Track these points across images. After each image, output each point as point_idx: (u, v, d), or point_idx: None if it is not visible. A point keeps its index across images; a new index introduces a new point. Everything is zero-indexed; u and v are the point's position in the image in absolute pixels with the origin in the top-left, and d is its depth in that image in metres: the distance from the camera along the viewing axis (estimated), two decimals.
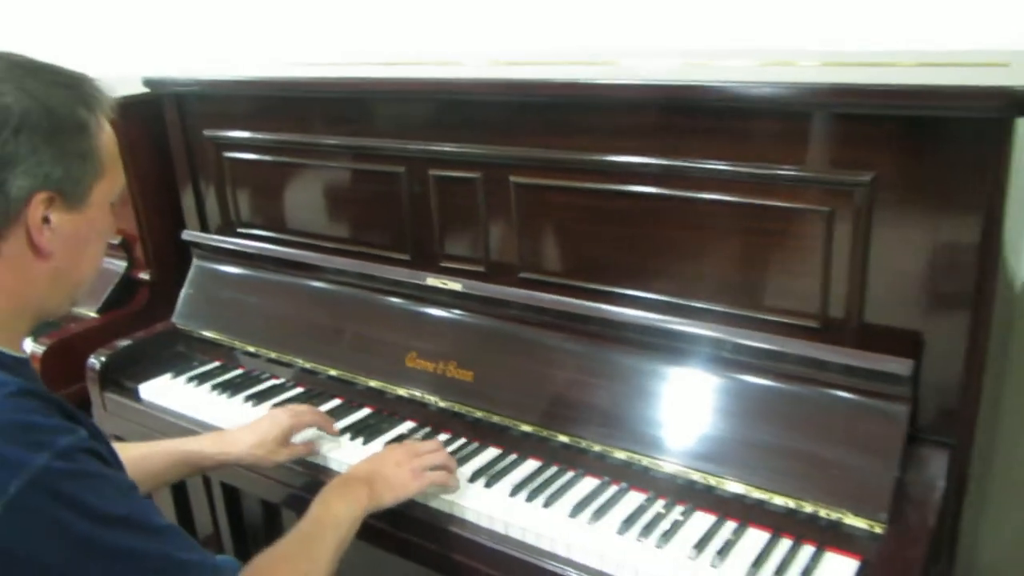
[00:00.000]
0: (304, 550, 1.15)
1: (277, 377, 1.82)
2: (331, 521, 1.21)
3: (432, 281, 1.61)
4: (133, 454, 1.32)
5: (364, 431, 1.57)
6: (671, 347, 1.38)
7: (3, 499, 0.82)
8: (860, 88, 1.18)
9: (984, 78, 1.14)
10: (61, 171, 0.93)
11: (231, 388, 1.78)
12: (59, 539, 0.85)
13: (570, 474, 1.41)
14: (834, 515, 1.20)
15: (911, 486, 1.20)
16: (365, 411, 1.66)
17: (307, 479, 1.52)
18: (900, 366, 1.18)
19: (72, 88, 0.96)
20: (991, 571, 1.73)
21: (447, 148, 1.56)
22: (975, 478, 1.38)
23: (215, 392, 1.78)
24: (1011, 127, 1.08)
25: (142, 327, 2.02)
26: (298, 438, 1.52)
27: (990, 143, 1.10)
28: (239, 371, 1.87)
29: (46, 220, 0.94)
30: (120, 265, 2.17)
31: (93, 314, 2.14)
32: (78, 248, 0.99)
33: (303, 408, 1.57)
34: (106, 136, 1.00)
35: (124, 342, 1.93)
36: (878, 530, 1.16)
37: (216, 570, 0.97)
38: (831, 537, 1.21)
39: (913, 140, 1.15)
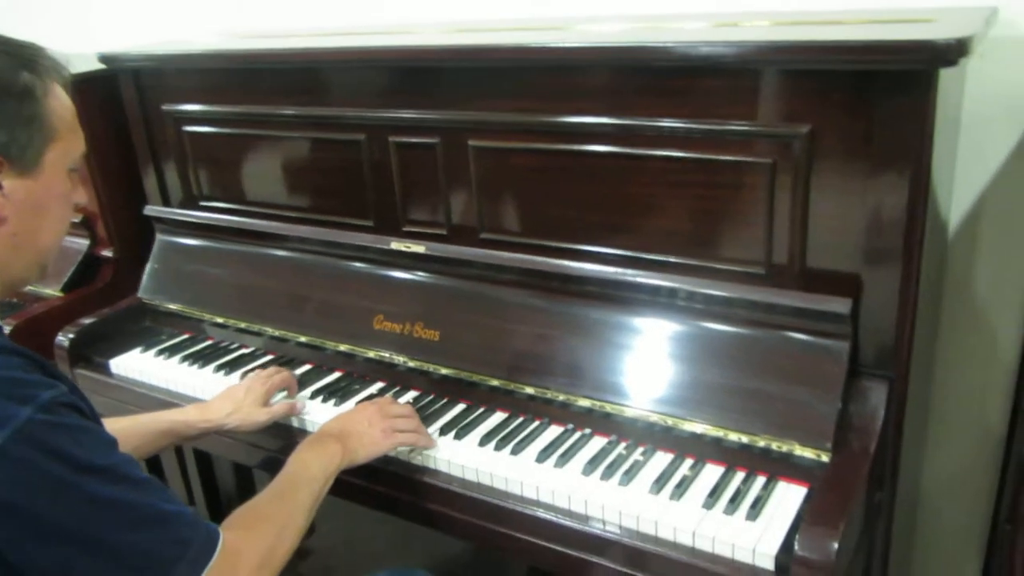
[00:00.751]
0: (281, 506, 1.18)
1: (247, 346, 1.86)
2: (306, 477, 1.25)
3: (396, 245, 1.65)
4: (115, 427, 1.35)
5: (336, 393, 1.63)
6: (628, 298, 1.44)
7: None
8: (794, 45, 1.25)
9: (911, 33, 1.21)
10: (4, 135, 0.94)
11: (202, 359, 1.82)
12: (45, 488, 0.88)
13: (536, 423, 1.48)
14: (784, 447, 1.28)
15: (853, 417, 1.28)
16: (336, 374, 1.71)
17: (282, 442, 1.56)
18: (840, 305, 1.26)
19: (15, 55, 0.97)
20: (930, 498, 1.85)
21: (406, 115, 1.60)
22: (915, 412, 1.47)
23: (186, 363, 1.82)
24: (936, 78, 1.15)
25: (107, 304, 2.04)
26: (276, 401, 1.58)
27: (917, 94, 1.16)
28: (208, 342, 1.91)
29: None
30: (82, 243, 2.19)
31: (58, 293, 2.15)
32: (36, 214, 1.01)
33: (271, 370, 1.62)
34: (57, 102, 1.01)
35: (91, 319, 1.95)
36: (824, 458, 1.25)
37: (197, 521, 1.01)
38: (782, 467, 1.29)
39: (846, 93, 1.22)
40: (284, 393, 1.62)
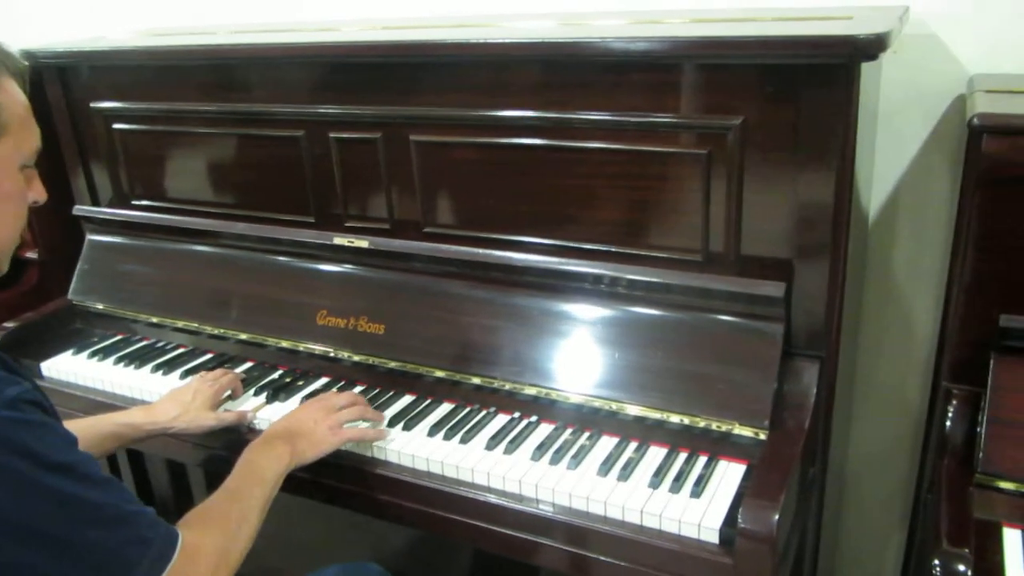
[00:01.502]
0: (234, 506, 1.18)
1: (184, 346, 1.84)
2: (257, 478, 1.25)
3: (339, 240, 1.65)
4: None
5: (281, 390, 1.62)
6: (570, 287, 1.48)
7: None
8: (725, 40, 1.31)
9: (832, 29, 1.28)
10: None
11: (138, 359, 1.79)
12: (9, 485, 0.87)
13: (483, 412, 1.50)
14: (724, 427, 1.34)
15: (788, 395, 1.35)
16: (278, 371, 1.71)
17: (225, 439, 1.55)
18: (774, 289, 1.32)
19: None
20: (858, 474, 1.94)
21: (347, 111, 1.61)
22: (841, 391, 1.54)
23: (120, 364, 1.79)
24: (857, 72, 1.22)
25: (33, 307, 1.98)
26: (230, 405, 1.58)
27: (840, 87, 1.23)
28: (144, 342, 1.87)
29: None
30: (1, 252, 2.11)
31: None
32: None
33: (218, 372, 1.61)
34: (6, 96, 1.00)
35: (18, 322, 1.89)
36: (762, 436, 1.31)
37: (157, 522, 1.01)
38: (722, 447, 1.35)
39: (775, 87, 1.28)
40: (228, 393, 1.60)
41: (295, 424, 1.38)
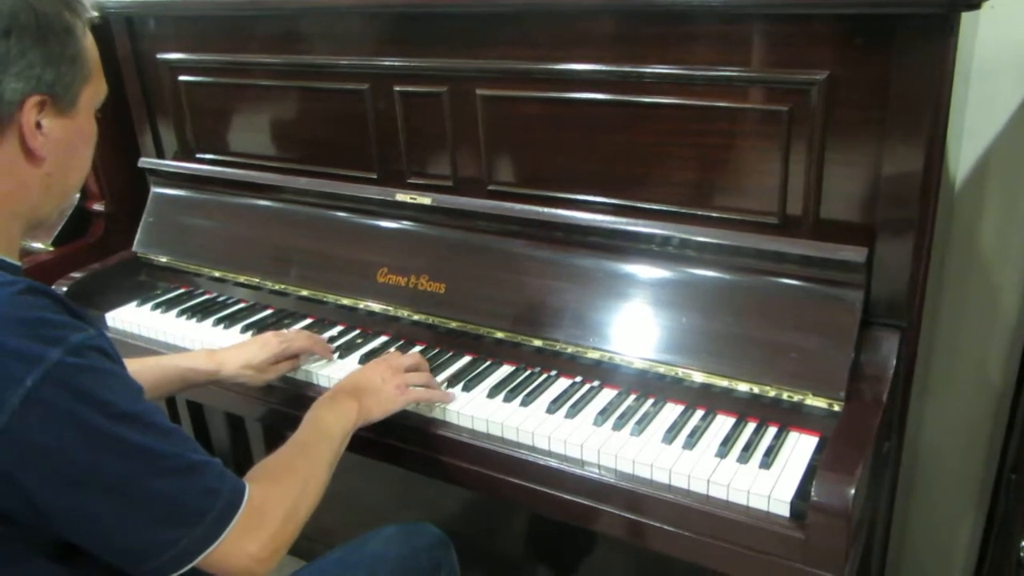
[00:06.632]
0: (302, 460, 1.16)
1: (246, 300, 1.84)
2: (324, 433, 1.23)
3: (401, 197, 1.62)
4: (131, 368, 1.32)
5: (340, 348, 1.61)
6: (637, 249, 1.43)
7: (21, 391, 0.83)
8: None
9: None
10: (53, 74, 0.94)
11: (200, 312, 1.79)
12: (76, 432, 0.86)
13: (544, 375, 1.47)
14: (796, 397, 1.28)
15: (865, 366, 1.28)
16: (338, 328, 1.69)
17: (282, 395, 1.55)
18: (855, 254, 1.26)
19: None
20: (932, 451, 1.87)
21: (412, 63, 1.57)
22: (919, 365, 1.47)
23: (183, 317, 1.79)
24: (956, 22, 1.14)
25: (99, 259, 2.00)
26: None
27: (937, 39, 1.15)
28: (206, 296, 1.88)
29: (38, 125, 0.94)
30: (73, 197, 2.14)
31: (48, 248, 2.11)
32: (68, 154, 1.00)
33: (292, 333, 1.57)
34: (89, 41, 1.00)
35: (84, 273, 1.91)
36: (836, 408, 1.25)
37: (224, 473, 0.99)
38: (792, 417, 1.29)
39: (865, 39, 1.21)
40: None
41: (363, 381, 1.36)
